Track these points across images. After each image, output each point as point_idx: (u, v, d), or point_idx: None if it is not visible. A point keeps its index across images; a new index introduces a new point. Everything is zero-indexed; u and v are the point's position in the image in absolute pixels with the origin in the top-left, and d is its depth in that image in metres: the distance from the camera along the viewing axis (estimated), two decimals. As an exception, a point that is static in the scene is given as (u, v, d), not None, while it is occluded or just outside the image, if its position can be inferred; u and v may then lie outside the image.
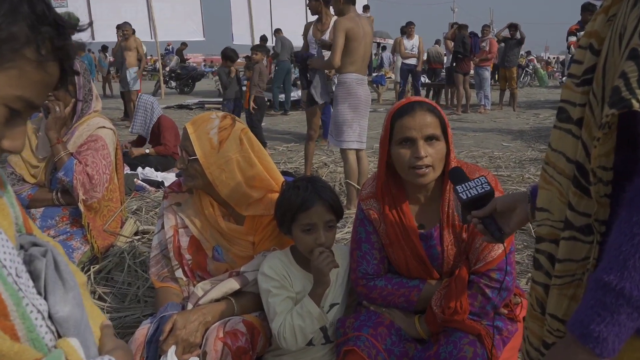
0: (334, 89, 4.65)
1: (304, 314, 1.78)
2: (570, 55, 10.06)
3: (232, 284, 1.95)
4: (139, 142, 6.24)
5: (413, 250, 1.82)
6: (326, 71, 5.29)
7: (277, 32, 13.47)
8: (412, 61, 12.76)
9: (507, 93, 13.47)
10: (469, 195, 1.44)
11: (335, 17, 5.46)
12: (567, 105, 0.97)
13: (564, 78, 13.60)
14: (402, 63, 12.99)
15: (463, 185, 1.46)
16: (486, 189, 1.44)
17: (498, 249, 1.74)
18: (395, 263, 1.89)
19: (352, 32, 4.43)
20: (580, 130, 0.93)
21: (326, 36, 5.48)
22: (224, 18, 17.68)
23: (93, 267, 2.69)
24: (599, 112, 0.88)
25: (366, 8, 14.26)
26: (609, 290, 0.81)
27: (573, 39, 8.78)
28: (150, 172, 5.47)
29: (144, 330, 1.86)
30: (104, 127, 2.78)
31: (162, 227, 2.13)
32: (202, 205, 2.07)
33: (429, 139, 1.74)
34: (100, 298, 2.56)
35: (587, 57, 0.92)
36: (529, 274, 2.97)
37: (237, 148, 1.99)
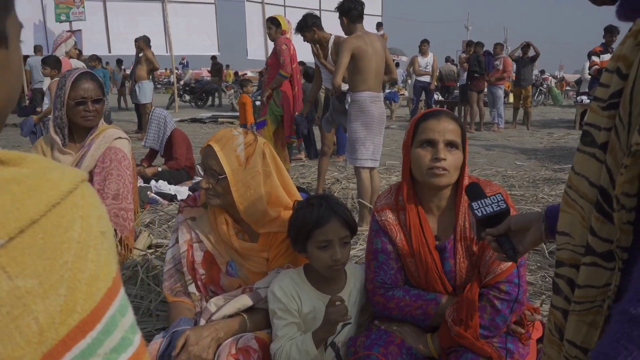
0: (347, 107, 4.65)
1: (302, 350, 1.76)
2: (588, 75, 10.03)
3: (245, 300, 1.95)
4: (151, 155, 6.29)
5: (431, 261, 1.82)
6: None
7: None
8: (426, 78, 12.80)
9: (521, 111, 13.43)
10: (484, 213, 1.44)
11: (333, 36, 5.52)
12: (591, 129, 0.96)
13: (578, 97, 13.55)
14: (416, 80, 13.03)
15: (479, 202, 1.46)
16: (502, 207, 1.44)
17: (508, 262, 1.73)
18: (412, 274, 1.89)
19: (359, 50, 4.43)
20: (605, 154, 0.92)
21: (328, 58, 5.53)
22: (239, 33, 17.84)
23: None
24: (625, 137, 0.87)
25: (379, 25, 14.32)
26: (637, 324, 0.79)
27: (596, 59, 8.75)
28: (163, 185, 5.50)
29: (156, 345, 1.86)
30: (120, 137, 2.82)
31: (177, 241, 2.13)
32: (217, 222, 2.06)
33: (450, 144, 1.79)
34: (112, 311, 2.56)
35: (614, 80, 0.91)
36: (543, 296, 2.93)
37: (260, 162, 2.00)
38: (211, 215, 2.09)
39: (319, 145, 6.95)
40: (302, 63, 10.58)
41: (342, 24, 4.67)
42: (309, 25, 5.49)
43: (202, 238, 2.09)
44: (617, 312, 0.83)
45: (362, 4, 4.63)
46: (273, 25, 6.04)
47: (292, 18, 6.00)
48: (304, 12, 5.83)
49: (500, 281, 1.75)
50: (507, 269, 1.75)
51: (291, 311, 1.84)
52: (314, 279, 1.91)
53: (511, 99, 14.78)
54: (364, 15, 4.71)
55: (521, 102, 13.06)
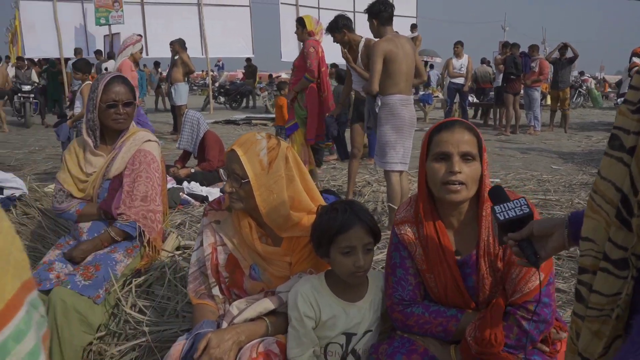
0: (377, 110, 4.61)
1: None
2: (628, 77, 9.78)
3: (267, 304, 1.94)
4: (185, 156, 6.37)
5: (451, 277, 1.77)
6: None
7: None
8: (460, 80, 12.64)
9: (559, 114, 13.15)
10: (507, 217, 1.41)
11: (364, 39, 5.47)
12: (620, 133, 0.92)
13: (618, 99, 13.20)
14: (450, 82, 12.90)
15: (502, 205, 1.44)
16: (525, 211, 1.41)
17: (536, 280, 1.66)
18: (431, 289, 1.84)
19: (391, 54, 4.38)
20: (632, 159, 0.88)
21: (358, 61, 5.49)
22: (273, 35, 17.96)
23: (135, 280, 2.73)
24: None
25: (414, 27, 14.24)
26: None
27: (637, 60, 8.51)
28: (195, 187, 5.57)
29: (179, 347, 1.87)
30: (149, 140, 2.86)
31: (201, 244, 2.15)
32: (240, 225, 2.07)
33: (465, 156, 1.71)
34: (140, 311, 2.59)
35: None
36: (577, 305, 2.85)
37: (283, 167, 1.99)
38: (235, 219, 2.09)
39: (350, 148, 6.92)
40: (334, 65, 10.53)
41: (371, 26, 4.64)
42: (340, 26, 5.50)
43: (226, 241, 2.10)
44: None
45: (392, 6, 4.60)
46: (300, 25, 6.05)
47: (326, 20, 5.99)
48: (338, 14, 5.82)
49: (528, 301, 1.67)
50: (536, 287, 1.65)
51: (305, 322, 1.82)
52: (335, 286, 1.90)
53: (548, 101, 14.48)
54: (399, 17, 4.68)
55: (559, 104, 12.79)
